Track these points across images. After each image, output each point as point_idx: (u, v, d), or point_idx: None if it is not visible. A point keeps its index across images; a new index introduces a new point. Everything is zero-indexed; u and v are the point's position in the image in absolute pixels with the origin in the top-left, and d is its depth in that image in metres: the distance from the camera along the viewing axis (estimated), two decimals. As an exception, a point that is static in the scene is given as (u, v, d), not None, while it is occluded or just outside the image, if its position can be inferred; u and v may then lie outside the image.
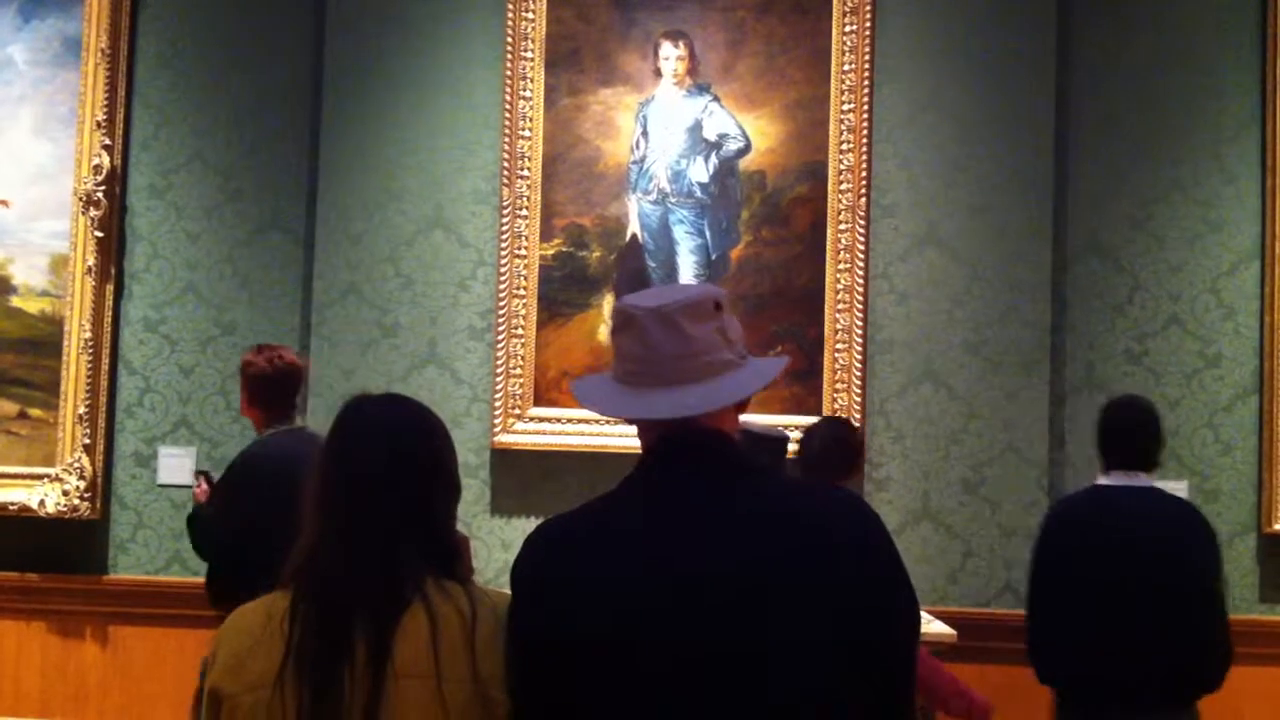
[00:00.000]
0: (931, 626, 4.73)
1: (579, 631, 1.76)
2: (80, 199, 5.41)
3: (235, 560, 4.13)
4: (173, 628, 5.16)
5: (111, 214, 5.44)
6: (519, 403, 5.25)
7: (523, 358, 5.25)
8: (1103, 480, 4.00)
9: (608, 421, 4.76)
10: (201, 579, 4.33)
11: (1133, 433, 3.97)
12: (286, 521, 4.16)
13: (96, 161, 5.41)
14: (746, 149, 5.29)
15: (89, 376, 5.36)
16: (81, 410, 5.35)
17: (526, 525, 5.17)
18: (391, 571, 1.81)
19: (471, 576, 1.96)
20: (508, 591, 1.93)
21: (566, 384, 5.25)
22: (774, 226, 5.28)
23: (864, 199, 5.23)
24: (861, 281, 5.22)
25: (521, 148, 5.28)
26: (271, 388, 4.33)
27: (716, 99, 5.30)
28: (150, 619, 5.27)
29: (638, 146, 5.30)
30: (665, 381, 1.85)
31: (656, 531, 1.79)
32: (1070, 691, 3.94)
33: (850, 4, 5.26)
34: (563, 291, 5.29)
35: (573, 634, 1.76)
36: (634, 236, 5.28)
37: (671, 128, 5.30)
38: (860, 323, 5.21)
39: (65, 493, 5.24)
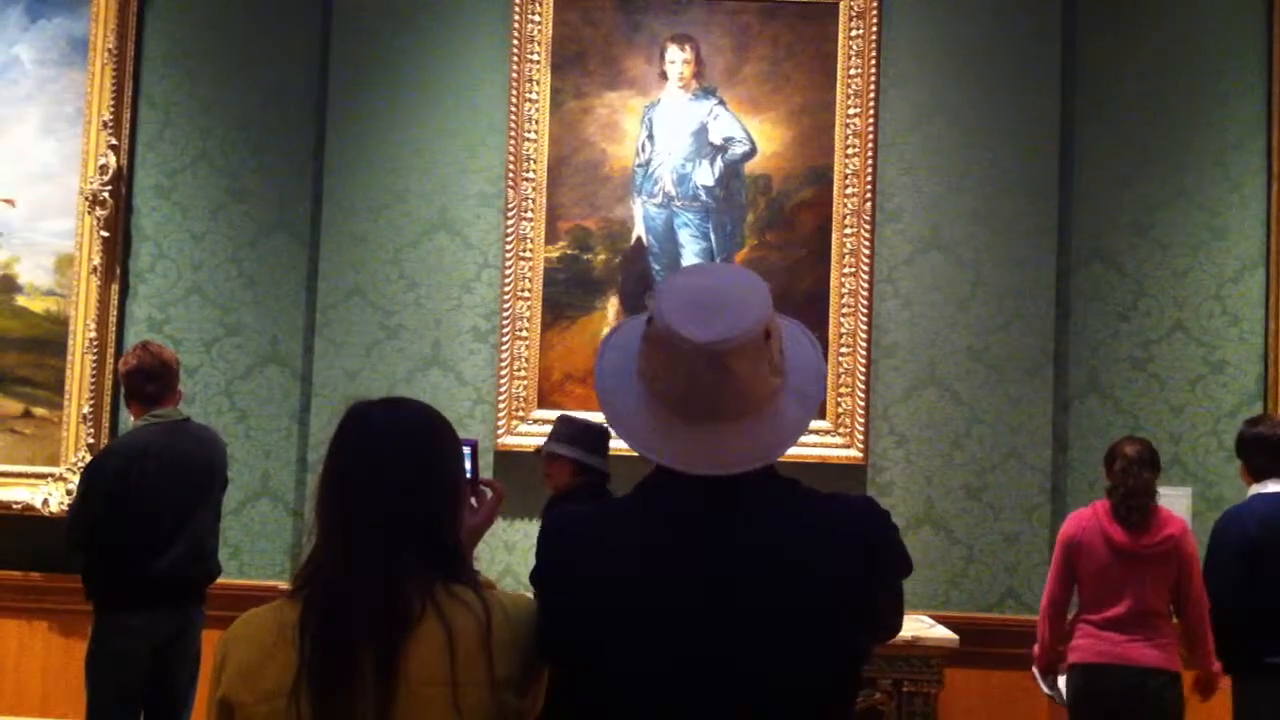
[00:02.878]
0: (933, 631, 4.74)
1: (588, 631, 1.78)
2: (86, 199, 5.41)
3: (93, 556, 4.40)
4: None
5: (117, 214, 5.45)
6: (523, 405, 5.25)
7: (526, 360, 5.26)
8: (1271, 488, 4.47)
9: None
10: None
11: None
12: (134, 512, 4.27)
13: (102, 161, 5.42)
14: (752, 153, 5.29)
15: (93, 376, 5.37)
16: (86, 410, 5.36)
17: (529, 528, 5.17)
18: (398, 578, 1.81)
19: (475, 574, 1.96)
20: (518, 593, 1.95)
21: (570, 386, 5.25)
22: (779, 230, 5.28)
23: (869, 204, 5.23)
24: (866, 286, 5.22)
25: (527, 150, 5.28)
26: (136, 378, 4.50)
27: (722, 103, 5.30)
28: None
29: (643, 150, 5.30)
30: (705, 414, 1.78)
31: (664, 536, 1.80)
32: (1249, 667, 4.38)
33: (856, 9, 5.27)
34: (567, 294, 5.29)
35: (582, 633, 1.79)
36: (639, 239, 5.28)
37: (677, 131, 5.30)
38: (864, 327, 5.21)
39: (69, 492, 5.23)
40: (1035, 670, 4.59)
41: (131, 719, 4.40)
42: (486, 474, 5.18)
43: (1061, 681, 4.50)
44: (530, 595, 1.92)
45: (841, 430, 5.16)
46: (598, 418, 4.71)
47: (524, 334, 5.26)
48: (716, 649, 1.72)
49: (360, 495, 1.85)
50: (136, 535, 4.35)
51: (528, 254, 5.27)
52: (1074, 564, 4.43)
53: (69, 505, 4.74)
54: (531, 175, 5.28)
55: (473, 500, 2.07)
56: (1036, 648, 4.56)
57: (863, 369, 5.20)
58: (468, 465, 2.10)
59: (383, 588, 1.80)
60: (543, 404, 5.25)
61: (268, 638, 1.82)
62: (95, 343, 5.38)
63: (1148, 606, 4.33)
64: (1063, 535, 4.50)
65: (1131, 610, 4.32)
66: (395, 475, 1.86)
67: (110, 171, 5.41)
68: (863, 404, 5.19)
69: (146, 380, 4.50)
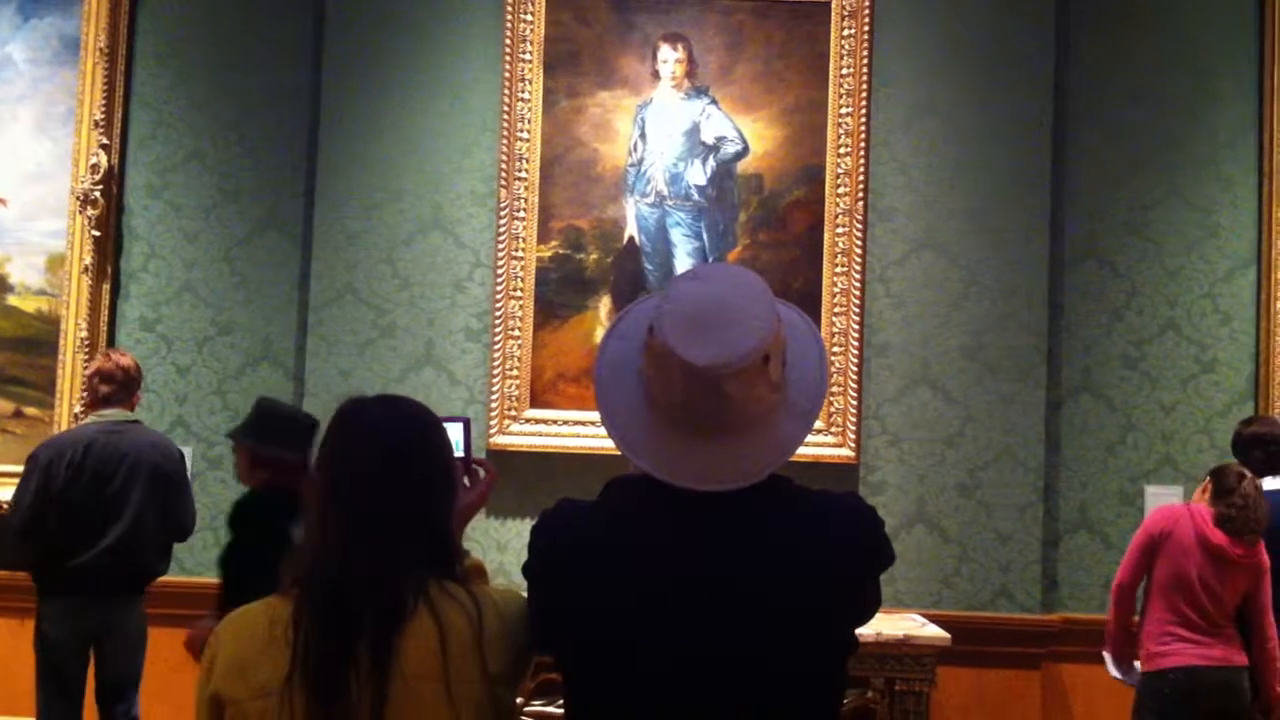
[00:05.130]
0: (926, 630, 4.74)
1: (584, 632, 1.79)
2: (78, 198, 5.41)
3: (32, 541, 4.70)
4: (166, 626, 5.14)
5: (109, 213, 5.44)
6: (515, 404, 5.25)
7: (519, 359, 5.25)
8: (1269, 485, 4.61)
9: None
10: (193, 578, 5.09)
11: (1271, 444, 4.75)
12: (61, 503, 4.54)
13: (94, 160, 5.41)
14: (744, 152, 5.29)
15: (84, 376, 5.36)
16: (77, 409, 5.35)
17: (522, 527, 5.17)
18: (392, 575, 1.81)
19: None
20: (509, 589, 1.95)
21: (562, 386, 5.25)
22: (771, 230, 5.28)
23: (861, 203, 5.23)
24: (858, 285, 5.22)
25: (519, 149, 5.28)
26: (94, 379, 4.84)
27: (714, 102, 5.30)
28: (149, 619, 5.25)
29: (635, 149, 5.30)
30: (697, 429, 1.78)
31: (661, 536, 1.80)
32: None
33: (848, 8, 5.27)
34: (559, 293, 5.29)
35: (578, 633, 1.79)
36: (631, 239, 5.28)
37: (669, 131, 5.30)
38: (857, 326, 5.21)
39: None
40: (1107, 655, 4.62)
41: (65, 700, 4.70)
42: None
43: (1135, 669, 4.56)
44: (520, 591, 1.92)
45: (834, 429, 5.17)
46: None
47: (516, 333, 5.26)
48: (713, 648, 1.73)
49: (353, 492, 1.85)
50: (63, 525, 4.62)
51: (520, 253, 5.27)
52: (1155, 556, 4.44)
53: (12, 496, 4.92)
54: (524, 175, 5.28)
55: (465, 480, 2.08)
56: (1109, 631, 4.59)
57: (855, 368, 5.21)
58: (461, 444, 2.10)
59: (376, 584, 1.80)
60: (535, 403, 5.25)
61: (260, 634, 1.81)
62: (86, 342, 5.37)
63: (1226, 609, 4.39)
64: (1149, 527, 4.50)
65: (1217, 612, 4.37)
66: (389, 472, 1.86)
67: (102, 171, 5.40)
68: (855, 403, 5.19)
69: (102, 382, 4.81)
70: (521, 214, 5.27)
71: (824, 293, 5.23)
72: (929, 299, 5.28)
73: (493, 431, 5.23)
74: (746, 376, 1.75)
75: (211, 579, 5.03)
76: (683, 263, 5.24)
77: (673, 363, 1.75)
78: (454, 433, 2.04)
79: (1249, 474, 4.45)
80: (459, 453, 2.07)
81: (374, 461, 1.87)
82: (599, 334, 5.20)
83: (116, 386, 4.79)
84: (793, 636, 1.74)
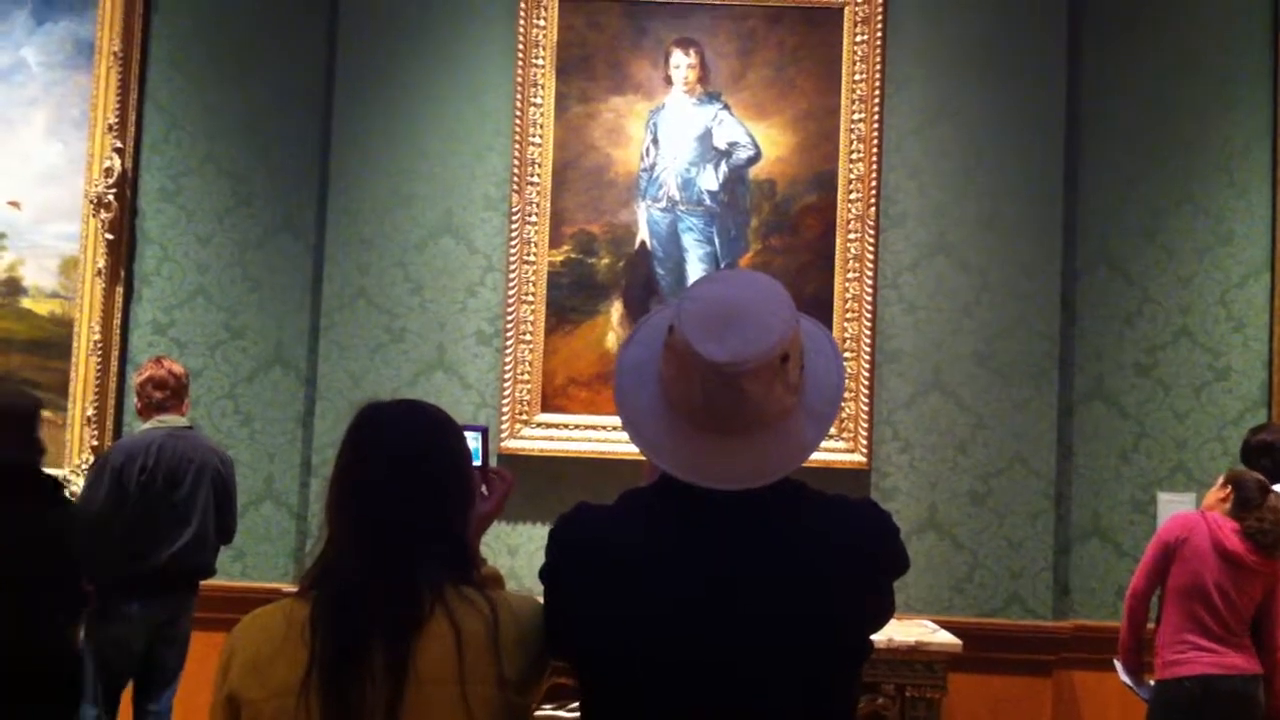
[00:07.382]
0: (937, 636, 4.73)
1: (592, 637, 1.79)
2: (91, 201, 5.42)
3: (99, 543, 4.65)
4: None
5: (122, 217, 5.46)
6: (526, 409, 5.25)
7: (530, 364, 5.26)
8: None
9: (614, 428, 4.76)
10: (207, 580, 4.95)
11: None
12: (134, 506, 4.58)
13: (108, 164, 5.42)
14: (756, 157, 5.29)
15: (98, 379, 5.38)
16: (90, 412, 5.37)
17: (534, 531, 5.17)
18: (408, 579, 1.81)
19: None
20: (524, 595, 1.95)
21: (574, 390, 5.25)
22: (783, 235, 5.28)
23: (873, 208, 5.22)
24: (870, 291, 5.21)
25: (532, 154, 5.28)
26: (147, 386, 4.87)
27: (727, 107, 5.30)
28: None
29: (648, 154, 5.30)
30: (716, 427, 1.79)
31: (669, 542, 1.80)
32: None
33: (861, 14, 5.27)
34: (571, 298, 5.29)
35: (586, 639, 1.80)
36: (643, 244, 5.28)
37: (681, 136, 5.30)
38: (869, 332, 5.21)
39: (73, 494, 5.23)
40: (1119, 664, 4.59)
41: (111, 698, 4.72)
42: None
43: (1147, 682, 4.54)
44: (536, 596, 1.92)
45: (845, 435, 5.16)
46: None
47: (528, 338, 5.26)
48: (718, 653, 1.73)
49: (372, 496, 1.86)
50: (136, 527, 4.65)
51: (532, 258, 5.27)
52: (1171, 564, 4.41)
53: (78, 497, 4.88)
54: (536, 179, 5.28)
55: (483, 488, 2.08)
56: (1122, 640, 4.55)
57: (867, 374, 5.20)
58: (479, 453, 2.11)
59: (394, 588, 1.80)
60: (546, 408, 5.25)
61: (277, 634, 1.82)
62: (99, 345, 5.38)
63: (1242, 617, 4.37)
64: (1164, 535, 4.48)
65: (1233, 619, 4.36)
66: (408, 476, 1.87)
67: (115, 174, 5.42)
68: (866, 409, 5.18)
69: (155, 389, 4.86)
70: (533, 219, 5.27)
71: (836, 298, 5.22)
72: (941, 305, 5.27)
73: (504, 436, 5.23)
74: (765, 375, 1.76)
75: (212, 581, 5.08)
76: (694, 268, 5.24)
77: (692, 361, 1.76)
78: (471, 442, 2.04)
79: (1270, 486, 4.41)
80: (476, 461, 2.07)
81: (380, 465, 1.88)
82: (610, 339, 5.20)
83: (169, 393, 4.87)
84: (798, 642, 1.74)
